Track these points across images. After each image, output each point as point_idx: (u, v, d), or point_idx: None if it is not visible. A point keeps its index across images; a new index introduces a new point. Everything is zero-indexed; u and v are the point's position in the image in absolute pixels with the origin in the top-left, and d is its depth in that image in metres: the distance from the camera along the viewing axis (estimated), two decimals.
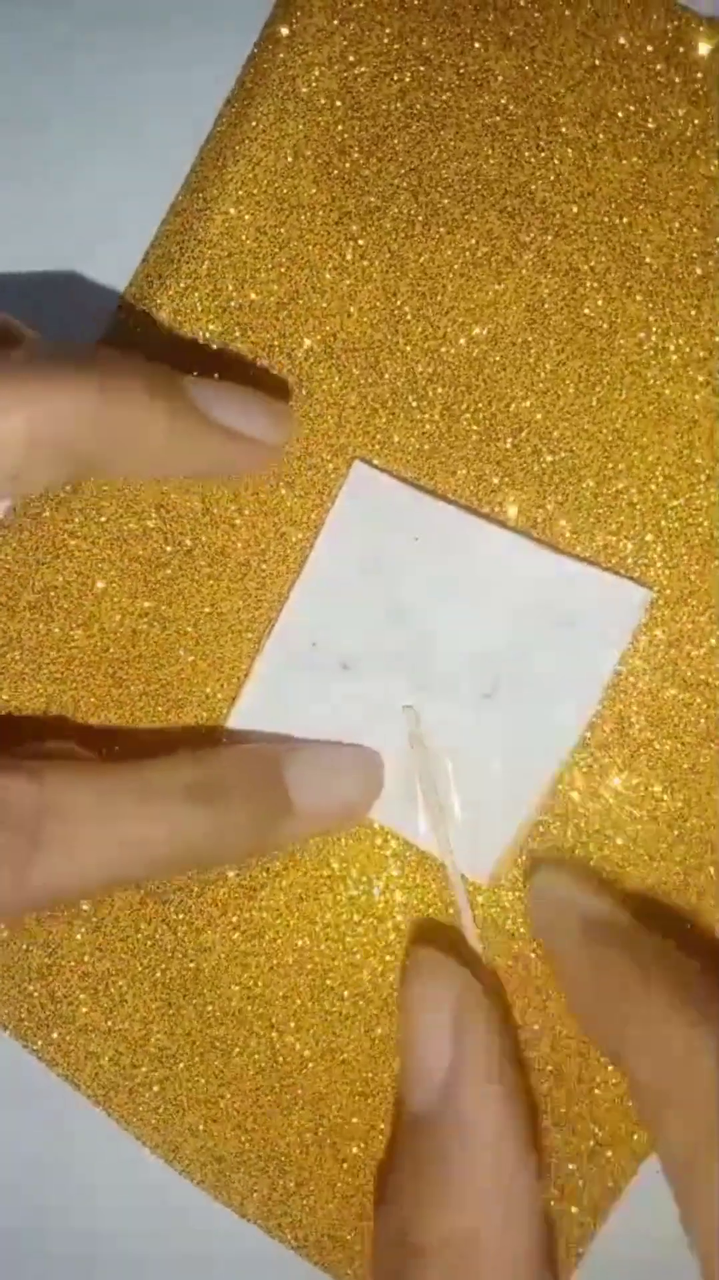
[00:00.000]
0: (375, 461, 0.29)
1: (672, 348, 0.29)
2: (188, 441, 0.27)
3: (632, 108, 0.29)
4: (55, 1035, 0.30)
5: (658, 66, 0.29)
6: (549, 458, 0.29)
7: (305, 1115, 0.28)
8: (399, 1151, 0.27)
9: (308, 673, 0.29)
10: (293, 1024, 0.29)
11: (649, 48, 0.29)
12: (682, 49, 0.29)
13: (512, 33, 0.29)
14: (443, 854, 0.28)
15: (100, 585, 0.30)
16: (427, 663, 0.28)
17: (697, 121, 0.29)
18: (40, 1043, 0.30)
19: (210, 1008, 0.29)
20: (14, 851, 0.24)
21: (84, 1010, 0.30)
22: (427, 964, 0.27)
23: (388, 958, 0.29)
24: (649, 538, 0.28)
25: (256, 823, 0.27)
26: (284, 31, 0.29)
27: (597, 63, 0.29)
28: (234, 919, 0.29)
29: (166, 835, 0.26)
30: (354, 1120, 0.29)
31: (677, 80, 0.29)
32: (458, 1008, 0.26)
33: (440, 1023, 0.26)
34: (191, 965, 0.29)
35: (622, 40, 0.29)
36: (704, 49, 0.29)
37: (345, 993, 0.29)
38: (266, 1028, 0.29)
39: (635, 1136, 0.28)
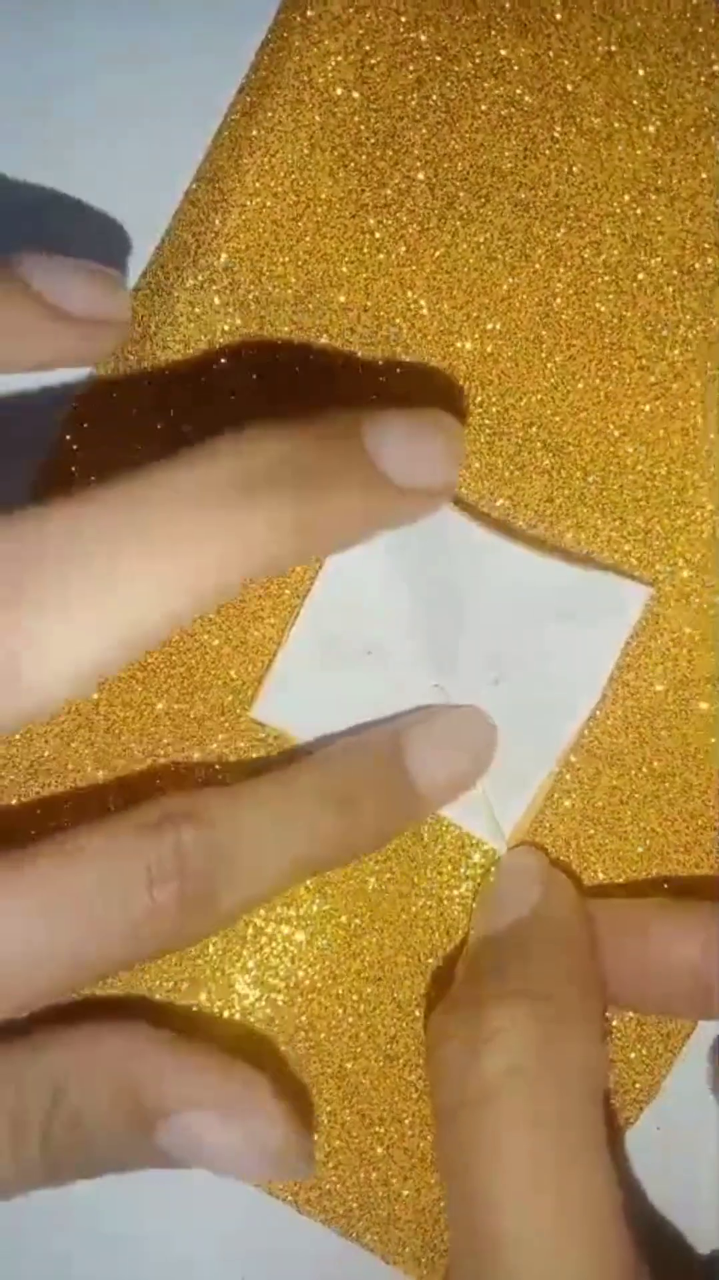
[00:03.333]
0: None
1: (683, 342, 0.29)
2: (16, 325, 0.25)
3: (647, 94, 0.29)
4: None
5: (676, 49, 0.29)
6: (557, 453, 0.29)
7: (332, 1084, 0.30)
8: (468, 967, 0.28)
9: (332, 659, 0.30)
10: (315, 990, 0.30)
11: (666, 30, 0.29)
12: (700, 29, 0.29)
13: (528, 19, 0.29)
14: (478, 824, 0.30)
15: None
16: (443, 651, 0.29)
17: (710, 106, 0.29)
18: None
19: (234, 978, 0.30)
20: (199, 898, 0.25)
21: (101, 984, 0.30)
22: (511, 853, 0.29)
23: (412, 920, 0.30)
24: (656, 532, 0.29)
25: (383, 820, 0.28)
26: (299, 19, 0.29)
27: (613, 48, 0.29)
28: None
29: (306, 847, 0.27)
30: (381, 1084, 0.30)
31: (693, 63, 0.29)
32: (546, 866, 0.29)
33: (529, 866, 0.29)
34: (214, 938, 0.30)
35: (638, 23, 0.29)
36: None
37: (369, 957, 0.30)
38: (291, 996, 0.30)
39: (638, 1085, 0.30)
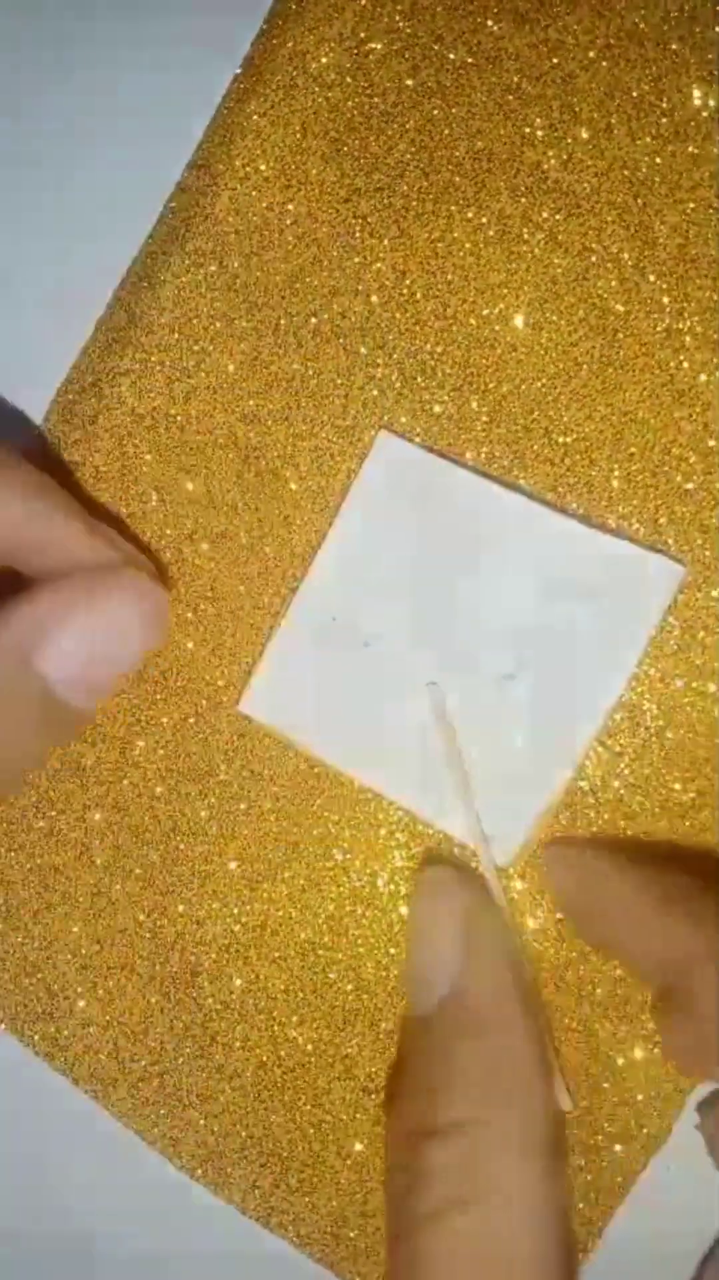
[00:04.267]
0: (367, 452, 0.28)
1: (685, 328, 0.28)
2: None
3: (646, 87, 0.29)
4: (52, 1029, 0.29)
5: (673, 46, 0.29)
6: (561, 439, 0.28)
7: (308, 1111, 0.28)
8: (406, 1053, 0.26)
9: (327, 648, 0.28)
10: (295, 1017, 0.28)
11: (664, 26, 0.29)
12: (697, 28, 0.29)
13: (525, 10, 0.29)
14: (468, 837, 0.27)
15: None
16: (449, 639, 0.28)
17: (712, 102, 0.29)
18: (37, 1037, 0.29)
19: (211, 1000, 0.28)
20: None
21: (82, 1004, 0.29)
22: (435, 880, 0.27)
23: (392, 950, 0.28)
24: (662, 521, 0.28)
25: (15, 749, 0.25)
26: (294, 6, 0.29)
27: (611, 41, 0.29)
28: (235, 911, 0.28)
29: None
30: (358, 1116, 0.28)
31: (691, 60, 0.29)
32: (468, 914, 0.26)
33: (449, 927, 0.26)
34: (192, 958, 0.29)
35: (636, 19, 0.29)
36: None
37: (348, 986, 0.28)
38: (268, 1021, 0.28)
39: (646, 1131, 0.27)
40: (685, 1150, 0.27)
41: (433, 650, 0.27)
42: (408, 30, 0.29)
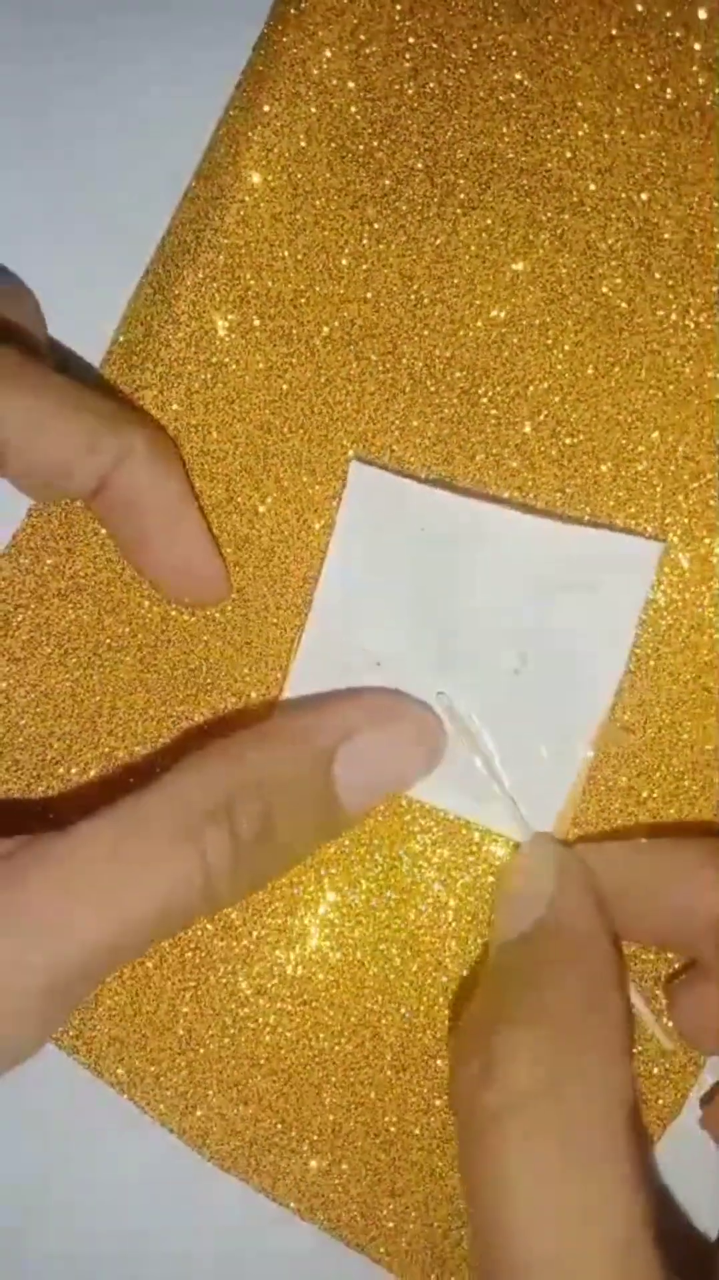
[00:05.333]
0: (380, 456, 0.29)
1: (692, 326, 0.28)
2: None
3: (649, 78, 0.29)
4: (77, 1021, 0.30)
5: (677, 33, 0.29)
6: (568, 440, 0.29)
7: (337, 1093, 0.29)
8: (492, 970, 0.27)
9: (342, 675, 0.29)
10: (322, 1000, 0.30)
11: (668, 14, 0.29)
12: (702, 14, 0.29)
13: (525, 4, 0.28)
14: (508, 826, 0.29)
15: (130, 573, 0.30)
16: (454, 650, 0.28)
17: (716, 91, 0.29)
18: (61, 1031, 0.30)
19: (240, 986, 0.30)
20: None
21: (108, 995, 0.30)
22: (527, 845, 0.28)
23: (418, 932, 0.29)
24: (669, 519, 0.28)
25: (295, 847, 0.27)
26: (293, 12, 0.29)
27: (614, 32, 0.29)
28: (262, 896, 0.30)
29: (185, 884, 0.24)
30: (387, 1096, 0.29)
31: (696, 47, 0.29)
32: (562, 856, 0.27)
33: (544, 859, 0.27)
34: (220, 944, 0.30)
35: (639, 7, 0.29)
36: None
37: (374, 968, 0.30)
38: (296, 1005, 0.30)
39: (660, 1102, 0.29)
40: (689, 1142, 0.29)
41: (440, 662, 0.28)
42: (408, 30, 0.29)
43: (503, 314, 0.29)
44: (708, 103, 0.29)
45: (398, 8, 0.29)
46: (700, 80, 0.29)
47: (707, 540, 0.28)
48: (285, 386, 0.29)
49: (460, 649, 0.29)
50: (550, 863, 0.27)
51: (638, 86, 0.29)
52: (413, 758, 0.28)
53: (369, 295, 0.29)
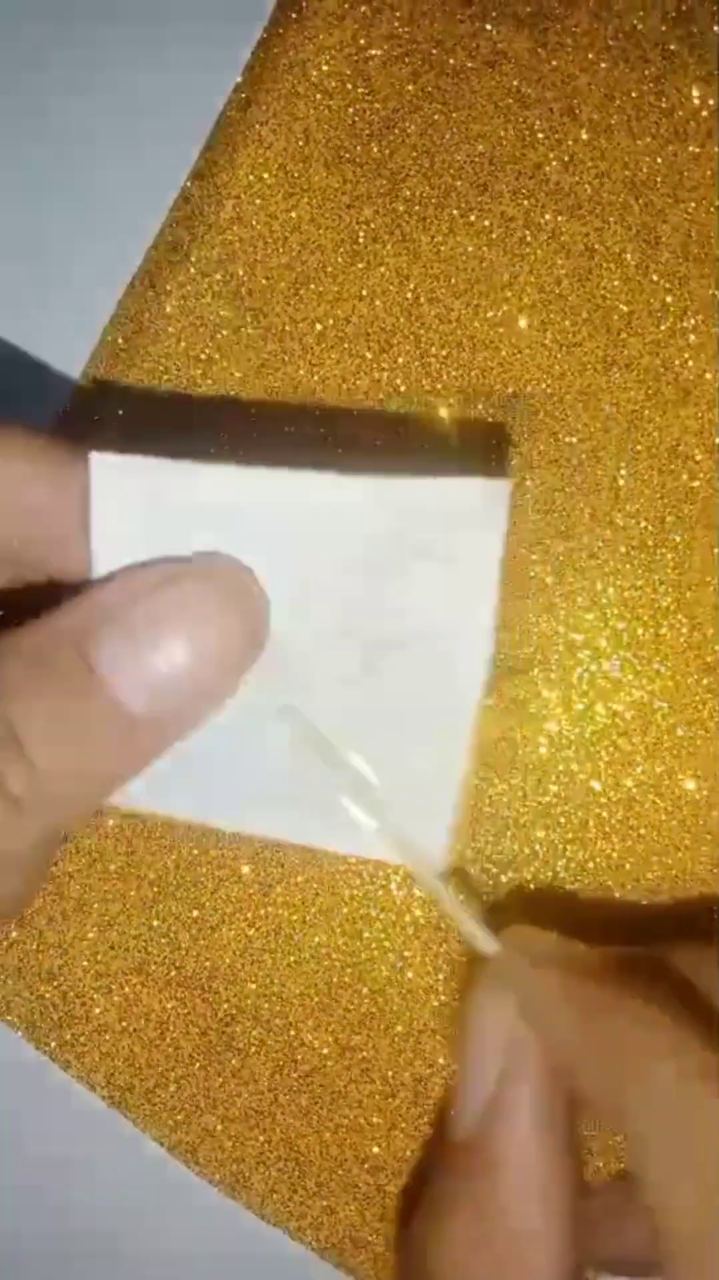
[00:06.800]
0: (375, 455, 0.28)
1: (689, 327, 0.28)
2: None
3: (645, 88, 0.29)
4: (69, 1036, 0.29)
5: (672, 47, 0.29)
6: (566, 440, 0.28)
7: (325, 1115, 0.28)
8: (433, 1171, 0.24)
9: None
10: (310, 1021, 0.28)
11: (663, 28, 0.29)
12: (695, 29, 0.29)
13: (524, 13, 0.29)
14: (394, 855, 0.24)
15: None
16: (294, 657, 0.23)
17: (712, 102, 0.29)
18: (54, 1044, 0.29)
19: (226, 1005, 0.29)
20: None
21: (98, 1010, 0.29)
22: (499, 962, 0.23)
23: (406, 953, 0.28)
24: (669, 520, 0.28)
25: (72, 769, 0.20)
26: (294, 14, 0.29)
27: (610, 43, 0.29)
28: (249, 915, 0.29)
29: None
30: (375, 1119, 0.28)
31: (690, 61, 0.29)
32: (516, 1028, 0.23)
33: (493, 1043, 0.23)
34: (207, 963, 0.29)
35: (635, 21, 0.29)
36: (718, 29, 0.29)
37: (363, 989, 0.28)
38: (284, 1025, 0.28)
39: None
40: None
41: (280, 674, 0.23)
42: (407, 36, 0.29)
43: (499, 315, 0.29)
44: (703, 112, 0.29)
45: (398, 14, 0.29)
46: (695, 92, 0.29)
47: (707, 540, 0.28)
48: (277, 385, 0.29)
49: (292, 656, 0.23)
50: (499, 1046, 0.23)
51: (634, 95, 0.29)
52: (219, 626, 0.20)
53: (364, 294, 0.29)
